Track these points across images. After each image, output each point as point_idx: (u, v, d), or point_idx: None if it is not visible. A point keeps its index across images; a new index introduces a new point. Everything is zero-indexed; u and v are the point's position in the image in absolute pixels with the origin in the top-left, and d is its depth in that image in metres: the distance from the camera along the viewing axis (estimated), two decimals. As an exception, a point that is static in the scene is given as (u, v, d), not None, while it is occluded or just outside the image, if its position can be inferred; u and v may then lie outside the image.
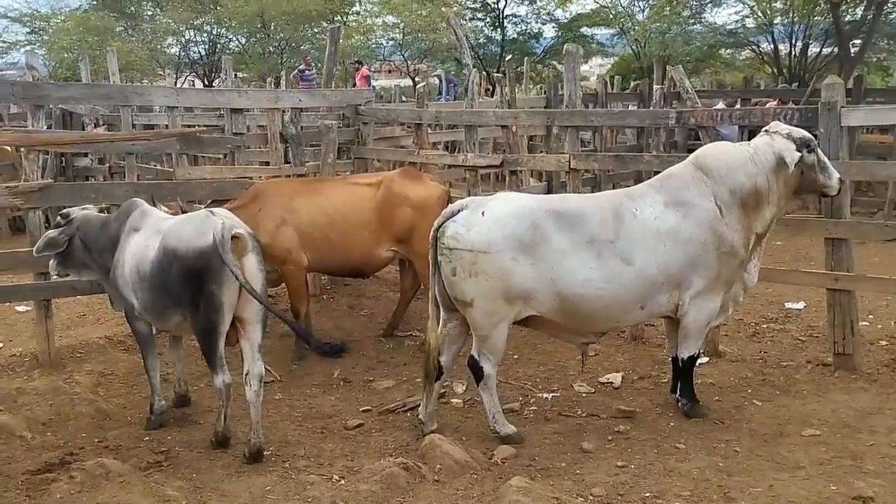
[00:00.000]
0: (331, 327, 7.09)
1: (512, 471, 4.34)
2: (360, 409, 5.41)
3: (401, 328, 6.94)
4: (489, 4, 31.50)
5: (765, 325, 6.92)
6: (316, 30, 31.15)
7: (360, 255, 6.45)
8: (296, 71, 21.04)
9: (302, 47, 30.22)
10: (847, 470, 4.21)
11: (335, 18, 30.32)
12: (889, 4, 18.41)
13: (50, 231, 5.20)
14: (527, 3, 31.35)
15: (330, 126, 7.99)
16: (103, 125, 12.27)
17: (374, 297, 7.77)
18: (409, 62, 33.48)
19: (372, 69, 29.21)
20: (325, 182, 6.94)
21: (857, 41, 18.73)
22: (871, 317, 6.94)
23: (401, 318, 6.95)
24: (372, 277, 7.42)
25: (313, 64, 20.70)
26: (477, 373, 4.79)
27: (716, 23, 24.81)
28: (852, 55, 18.24)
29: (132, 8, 33.02)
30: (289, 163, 8.07)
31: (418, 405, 5.04)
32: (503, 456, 4.55)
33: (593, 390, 5.60)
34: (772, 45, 23.75)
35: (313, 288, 7.47)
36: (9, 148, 7.04)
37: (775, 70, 23.54)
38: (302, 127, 8.25)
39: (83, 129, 11.68)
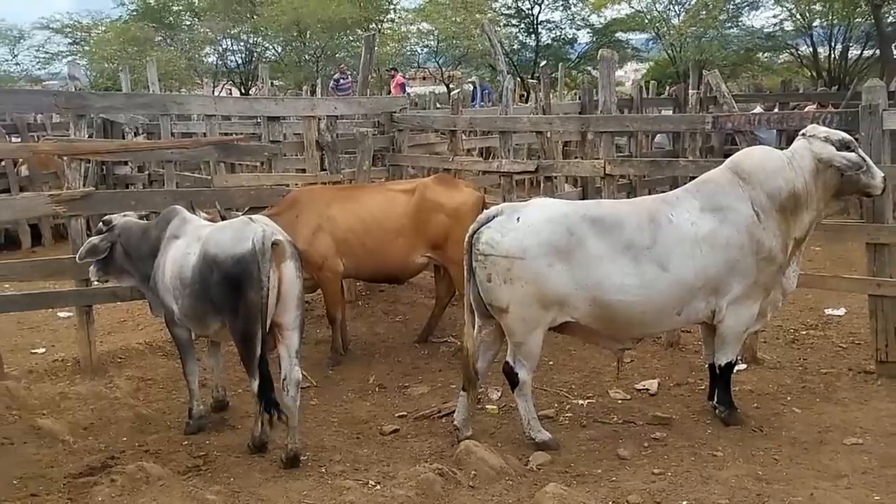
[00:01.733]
0: (366, 333, 7.14)
1: (547, 477, 4.33)
2: (396, 415, 5.43)
3: (436, 334, 6.95)
4: (523, 10, 31.50)
5: (804, 332, 6.81)
6: (351, 38, 31.44)
7: (395, 262, 6.48)
8: (331, 82, 21.19)
9: (337, 55, 30.52)
10: (890, 479, 4.13)
11: (370, 26, 30.54)
12: (932, 5, 18.09)
13: (92, 237, 5.30)
14: (561, 8, 31.33)
15: (365, 133, 8.04)
16: (143, 134, 12.47)
17: (409, 303, 7.80)
18: (444, 69, 33.60)
19: (407, 76, 29.35)
20: (360, 189, 6.99)
21: (900, 43, 18.42)
22: (914, 323, 6.80)
23: (436, 325, 6.96)
24: (407, 283, 7.45)
25: (348, 72, 20.85)
26: (512, 379, 4.78)
27: (753, 26, 24.59)
28: (895, 57, 17.93)
29: (171, 18, 33.59)
30: (325, 170, 8.13)
31: (453, 411, 5.04)
32: (539, 462, 4.54)
33: (629, 397, 5.56)
34: (811, 48, 23.49)
35: (349, 294, 7.52)
36: (56, 157, 7.18)
37: (814, 73, 23.26)
38: (338, 134, 8.32)
39: (123, 138, 11.88)
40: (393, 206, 6.49)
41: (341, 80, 20.68)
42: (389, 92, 20.34)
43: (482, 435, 4.92)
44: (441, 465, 4.34)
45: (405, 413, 5.44)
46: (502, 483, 4.28)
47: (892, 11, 19.19)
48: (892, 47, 18.15)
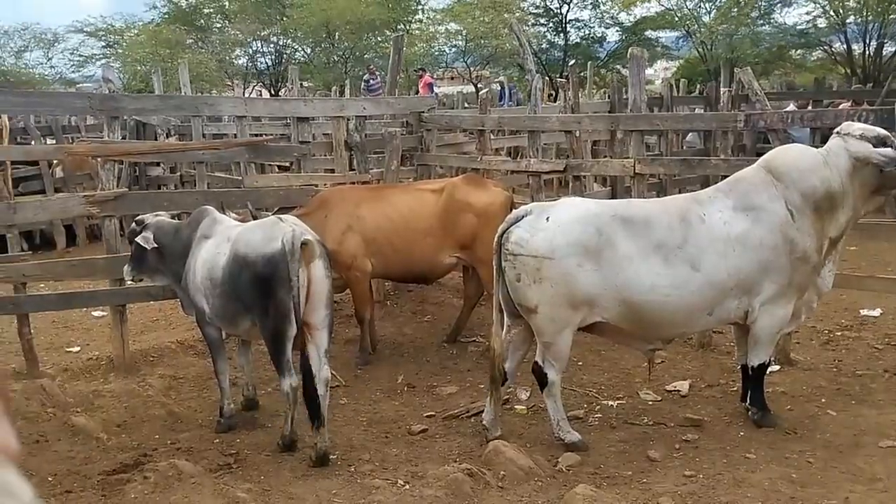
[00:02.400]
0: (394, 332, 7.15)
1: (577, 478, 4.30)
2: (424, 415, 5.43)
3: (464, 334, 6.94)
4: (552, 10, 31.37)
5: (839, 333, 6.71)
6: (379, 38, 31.51)
7: (423, 262, 6.49)
8: (362, 83, 21.27)
9: (366, 56, 30.60)
10: (928, 483, 4.06)
11: (398, 27, 30.60)
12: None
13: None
14: (590, 7, 31.14)
15: (394, 133, 8.06)
16: (175, 135, 12.61)
17: (437, 303, 7.80)
18: (472, 69, 33.57)
19: (435, 76, 29.34)
20: (389, 189, 7.00)
21: (936, 39, 18.08)
22: (952, 325, 6.68)
23: (464, 325, 6.96)
24: (435, 283, 7.45)
25: (377, 73, 20.91)
26: (541, 379, 4.76)
27: (785, 23, 24.26)
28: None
29: (202, 21, 33.90)
30: (353, 170, 8.16)
31: (482, 411, 5.04)
32: (568, 463, 4.51)
33: (660, 398, 5.51)
34: (844, 45, 23.09)
35: (377, 294, 7.54)
36: (90, 158, 7.28)
37: (848, 70, 22.88)
38: (366, 134, 8.35)
39: (156, 139, 12.02)
40: (422, 205, 6.50)
41: (371, 81, 20.72)
42: (417, 92, 20.37)
43: (511, 435, 4.91)
44: (470, 466, 4.33)
45: (434, 413, 5.44)
46: (531, 484, 4.27)
47: (928, 7, 18.85)
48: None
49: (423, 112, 8.65)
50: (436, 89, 23.15)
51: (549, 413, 4.82)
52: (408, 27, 31.99)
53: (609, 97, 14.23)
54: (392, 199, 6.57)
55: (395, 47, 9.69)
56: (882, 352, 6.21)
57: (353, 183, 7.78)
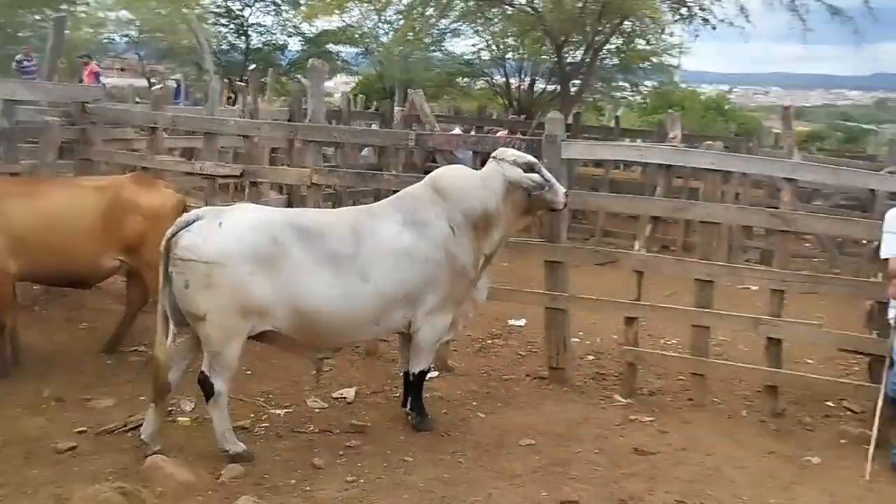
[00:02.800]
0: (43, 342, 6.47)
1: (240, 490, 4.23)
2: (74, 431, 4.97)
3: (125, 343, 6.50)
4: (233, 10, 30.69)
5: (490, 341, 7.34)
6: (38, 17, 28.59)
7: (81, 265, 5.98)
8: (13, 63, 19.13)
9: (19, 34, 27.59)
10: (557, 476, 4.58)
11: (61, 6, 27.99)
12: (604, 50, 20.35)
13: None
14: (272, 13, 30.95)
15: (51, 123, 7.35)
16: None
17: (96, 310, 7.22)
18: (146, 62, 31.74)
19: (102, 66, 27.29)
20: (44, 183, 6.36)
21: (577, 81, 20.51)
22: (581, 334, 7.58)
23: (126, 333, 6.51)
24: (94, 288, 6.89)
25: (33, 54, 18.95)
26: (207, 390, 4.60)
27: (454, 52, 26.05)
28: (572, 94, 19.95)
29: None
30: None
31: (140, 424, 4.75)
32: (231, 475, 4.41)
33: (327, 405, 5.61)
34: (504, 78, 25.39)
35: (23, 298, 6.79)
36: None
37: (506, 101, 25.17)
38: (17, 122, 7.51)
39: None
40: (82, 203, 5.99)
41: (25, 63, 18.74)
42: (81, 80, 18.82)
43: (173, 449, 4.68)
44: (124, 484, 4.06)
45: (86, 428, 5.00)
46: (192, 499, 4.12)
47: (571, 53, 21.24)
48: (571, 84, 20.08)
49: (88, 103, 7.99)
50: (103, 79, 21.61)
51: (215, 424, 4.67)
52: (73, 8, 29.38)
53: (289, 105, 14.27)
54: (47, 195, 5.97)
55: (56, 28, 8.88)
56: (525, 358, 6.90)
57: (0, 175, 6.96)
